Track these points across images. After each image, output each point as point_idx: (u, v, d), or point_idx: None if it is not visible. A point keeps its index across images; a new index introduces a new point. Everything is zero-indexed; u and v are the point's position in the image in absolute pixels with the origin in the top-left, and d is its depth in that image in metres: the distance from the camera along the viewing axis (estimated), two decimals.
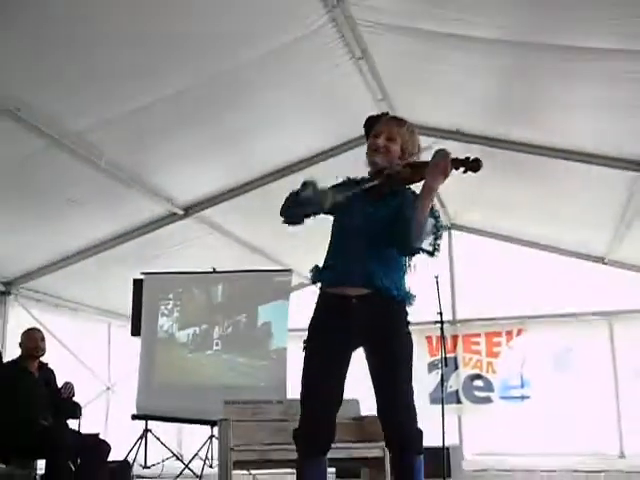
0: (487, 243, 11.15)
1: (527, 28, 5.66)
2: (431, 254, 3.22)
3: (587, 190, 8.44)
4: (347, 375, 3.27)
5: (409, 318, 3.30)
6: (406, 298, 3.26)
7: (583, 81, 6.30)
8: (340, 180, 3.48)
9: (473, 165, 3.09)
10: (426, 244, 3.15)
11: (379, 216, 3.22)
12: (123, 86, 6.16)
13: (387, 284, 3.17)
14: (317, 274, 3.33)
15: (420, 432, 3.13)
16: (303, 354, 3.31)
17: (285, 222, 3.35)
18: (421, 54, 6.51)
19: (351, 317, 3.17)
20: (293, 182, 3.35)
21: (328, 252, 3.36)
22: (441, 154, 3.11)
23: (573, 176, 8.01)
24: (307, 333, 3.32)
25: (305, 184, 3.19)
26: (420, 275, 6.52)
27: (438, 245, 3.23)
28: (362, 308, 3.15)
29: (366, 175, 3.41)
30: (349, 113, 7.34)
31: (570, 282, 10.67)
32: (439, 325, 6.52)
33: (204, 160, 7.85)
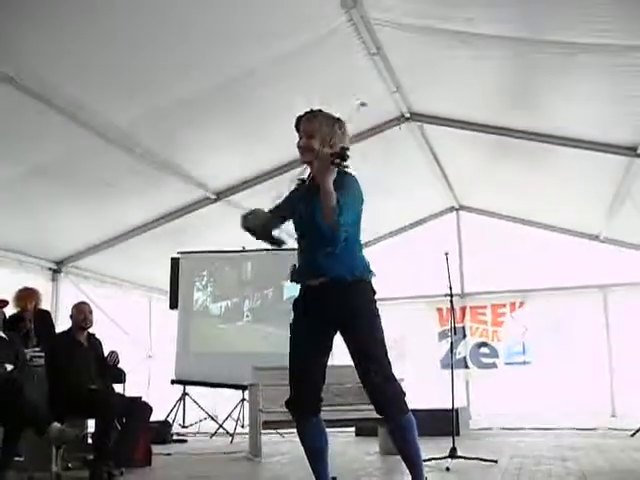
0: (492, 223, 11.11)
1: (529, 25, 5.60)
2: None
3: (584, 174, 8.40)
4: (328, 353, 3.33)
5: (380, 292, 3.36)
6: (364, 275, 3.26)
7: (581, 74, 6.25)
8: (295, 184, 3.49)
9: (340, 156, 3.02)
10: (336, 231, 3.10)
11: (315, 213, 3.17)
12: (160, 80, 6.17)
13: (339, 270, 3.18)
14: (291, 274, 3.40)
15: (401, 394, 3.13)
16: (290, 336, 3.38)
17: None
18: (431, 49, 6.46)
19: (317, 303, 3.23)
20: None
21: (297, 251, 3.40)
22: (320, 156, 3.10)
23: (571, 161, 7.97)
24: (292, 317, 3.39)
25: (245, 218, 3.38)
26: (432, 252, 6.51)
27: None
28: (324, 294, 3.20)
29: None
30: (367, 104, 7.29)
31: (568, 258, 10.64)
32: (449, 298, 6.45)
33: (234, 149, 7.87)
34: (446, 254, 6.33)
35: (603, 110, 6.85)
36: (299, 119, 3.38)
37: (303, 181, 3.41)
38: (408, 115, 7.93)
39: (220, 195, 8.99)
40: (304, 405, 3.27)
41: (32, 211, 7.92)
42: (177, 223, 9.23)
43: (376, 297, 3.29)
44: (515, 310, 11.16)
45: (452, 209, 11.48)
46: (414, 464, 3.11)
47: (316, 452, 3.28)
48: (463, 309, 11.21)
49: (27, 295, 7.24)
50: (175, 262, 9.98)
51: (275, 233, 3.40)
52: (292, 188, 3.49)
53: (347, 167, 3.11)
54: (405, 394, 3.14)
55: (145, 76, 6.03)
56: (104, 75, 5.87)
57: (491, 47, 6.22)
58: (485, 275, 11.07)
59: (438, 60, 6.64)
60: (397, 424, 3.14)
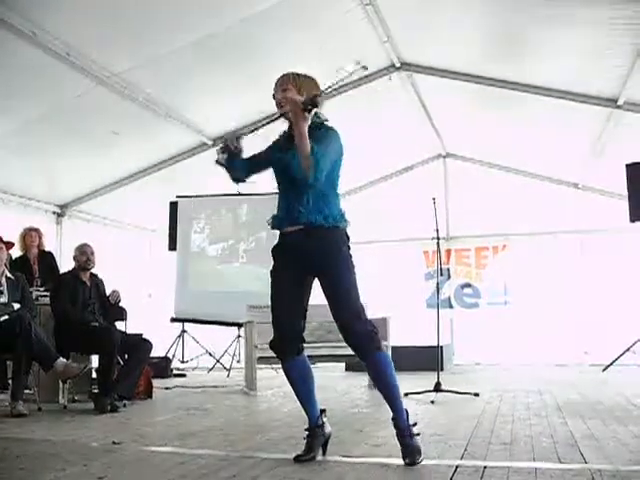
0: (477, 170, 11.06)
1: None
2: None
3: (566, 124, 8.36)
4: (308, 295, 3.35)
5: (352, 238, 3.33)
6: (338, 223, 3.25)
7: (565, 27, 6.16)
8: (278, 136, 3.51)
9: (312, 103, 3.03)
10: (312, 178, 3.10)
11: (291, 160, 3.19)
12: (159, 30, 6.10)
13: (314, 217, 3.20)
14: (271, 221, 3.43)
15: (371, 332, 3.14)
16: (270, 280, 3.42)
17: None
18: (421, 0, 6.35)
19: (295, 248, 3.26)
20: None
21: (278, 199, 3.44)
22: (290, 105, 3.11)
23: (554, 111, 7.91)
24: (272, 262, 3.43)
25: (221, 149, 3.39)
26: (419, 197, 6.49)
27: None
28: (301, 240, 3.23)
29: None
30: (358, 53, 7.19)
31: (548, 204, 10.65)
32: (435, 241, 6.47)
33: (230, 96, 7.76)
34: (433, 199, 6.31)
35: (585, 62, 6.78)
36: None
37: (283, 135, 3.42)
38: (398, 65, 7.81)
39: (217, 140, 8.91)
40: (286, 346, 3.32)
41: (37, 157, 7.88)
42: (176, 168, 9.18)
43: (350, 243, 3.30)
44: (497, 253, 11.20)
45: (439, 156, 11.41)
46: (391, 397, 3.14)
47: (302, 388, 3.33)
48: (448, 252, 11.24)
49: (31, 234, 7.21)
50: (174, 205, 9.97)
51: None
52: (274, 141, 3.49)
53: (320, 116, 3.22)
54: (377, 332, 3.15)
55: (145, 24, 5.94)
56: (104, 23, 5.78)
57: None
58: (470, 220, 11.08)
59: (428, 11, 6.53)
60: (370, 361, 3.18)
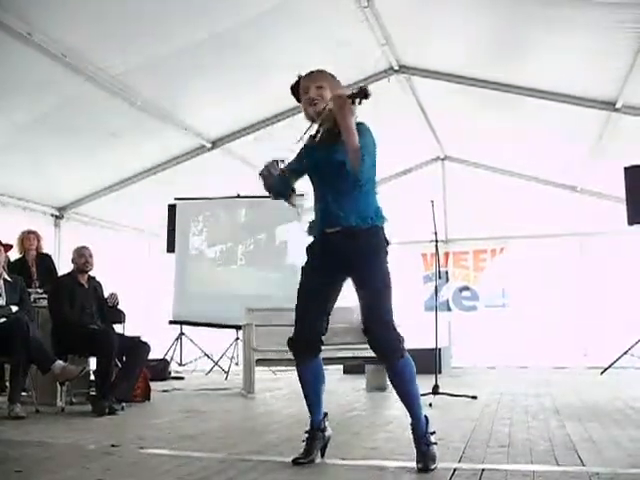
0: (475, 173, 11.07)
1: None
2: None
3: (564, 127, 8.37)
4: (335, 298, 3.31)
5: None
6: (375, 224, 3.21)
7: (565, 29, 6.17)
8: (303, 141, 3.38)
9: (360, 94, 3.01)
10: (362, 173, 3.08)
11: (333, 158, 3.15)
12: (157, 32, 6.10)
13: (353, 219, 3.15)
14: (309, 229, 3.36)
15: (400, 340, 3.11)
16: (300, 278, 3.35)
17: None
18: (421, 3, 6.35)
19: (330, 252, 3.20)
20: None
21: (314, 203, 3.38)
22: (336, 98, 3.05)
23: (552, 114, 7.92)
24: (305, 260, 3.37)
25: (262, 175, 3.32)
26: (418, 200, 6.48)
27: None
28: (339, 241, 3.17)
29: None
30: (356, 56, 7.23)
31: (546, 207, 10.67)
32: (434, 243, 6.47)
33: (230, 98, 7.77)
34: (432, 202, 6.31)
35: (584, 65, 6.79)
36: (297, 83, 3.33)
37: (313, 137, 3.32)
38: (397, 67, 7.83)
39: (216, 143, 8.94)
40: (306, 347, 3.26)
41: (36, 159, 7.87)
42: (174, 170, 9.18)
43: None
44: (496, 256, 11.22)
45: (438, 159, 11.42)
46: (411, 405, 3.11)
47: (313, 391, 3.29)
48: (447, 254, 11.25)
49: (29, 237, 7.21)
50: (172, 208, 9.96)
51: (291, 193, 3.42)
52: (301, 146, 3.41)
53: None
54: (402, 341, 3.12)
55: (143, 26, 5.94)
56: (101, 25, 5.77)
57: (478, 2, 6.14)
58: (468, 222, 11.09)
59: (427, 14, 6.54)
60: (393, 368, 3.14)
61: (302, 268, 3.36)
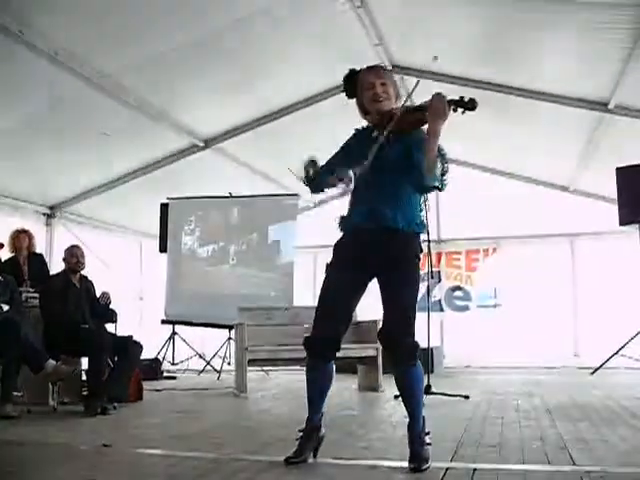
0: (469, 173, 11.08)
1: None
2: (440, 189, 3.09)
3: (556, 127, 8.38)
4: (359, 300, 3.24)
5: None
6: (417, 230, 3.17)
7: (556, 30, 6.19)
8: (352, 134, 3.36)
9: (469, 104, 2.99)
10: (437, 180, 3.03)
11: (390, 159, 3.10)
12: (150, 33, 6.07)
13: (399, 221, 3.09)
14: (341, 223, 3.27)
15: (416, 347, 3.10)
16: (324, 275, 3.28)
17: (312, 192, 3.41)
18: (414, 4, 6.36)
19: (366, 249, 3.13)
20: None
21: (351, 196, 3.27)
22: (438, 98, 2.98)
23: (544, 114, 7.94)
24: (331, 257, 3.28)
25: (306, 169, 3.28)
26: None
27: (445, 180, 3.10)
28: (377, 239, 3.10)
29: (366, 124, 3.30)
30: (350, 56, 7.20)
31: (539, 207, 10.68)
32: (426, 243, 6.47)
33: (222, 98, 7.76)
34: (425, 202, 6.32)
35: (576, 65, 6.82)
36: (356, 73, 3.29)
37: (359, 131, 3.30)
38: (390, 67, 7.83)
39: (208, 143, 8.92)
40: (324, 347, 3.18)
41: (28, 158, 7.82)
42: (167, 170, 9.16)
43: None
44: (488, 256, 11.25)
45: None
46: (413, 407, 3.10)
47: (319, 393, 3.25)
48: (439, 254, 11.27)
49: (20, 236, 7.19)
50: (164, 207, 9.95)
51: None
52: (348, 139, 3.36)
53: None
54: (418, 348, 3.10)
55: (136, 25, 5.91)
56: (94, 24, 5.74)
57: (471, 3, 6.15)
58: (460, 223, 11.11)
59: (421, 14, 6.55)
60: (403, 374, 3.13)
61: (328, 265, 3.28)
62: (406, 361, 3.09)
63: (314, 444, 3.22)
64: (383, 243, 3.10)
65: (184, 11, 5.88)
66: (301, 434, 3.21)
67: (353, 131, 3.39)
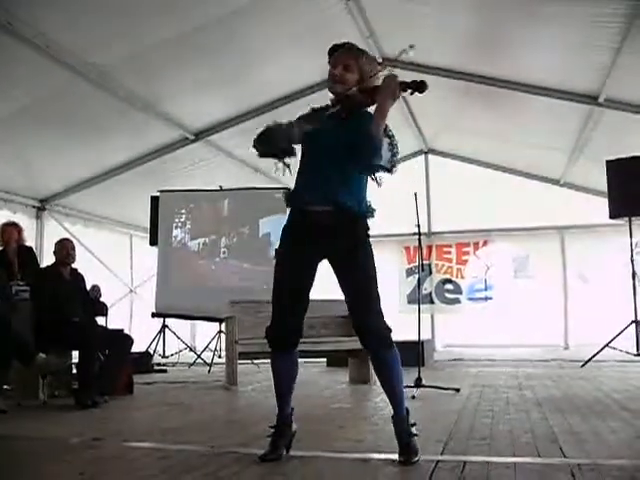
0: (459, 166, 11.13)
1: None
2: (389, 171, 3.07)
3: (547, 121, 8.42)
4: (313, 282, 3.17)
5: (371, 231, 3.17)
6: (367, 212, 3.14)
7: (546, 24, 6.20)
8: (306, 111, 3.29)
9: (419, 86, 2.96)
10: (385, 162, 3.01)
11: (340, 138, 3.04)
12: (141, 24, 6.05)
13: (348, 201, 3.05)
14: (288, 197, 3.21)
15: (389, 330, 3.07)
16: (275, 262, 3.23)
17: (259, 154, 3.20)
18: None
19: (316, 231, 3.07)
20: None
21: (298, 175, 3.20)
22: (390, 78, 2.99)
23: (535, 108, 7.97)
24: (278, 243, 3.24)
25: (268, 127, 3.14)
26: (400, 193, 6.50)
27: (395, 162, 3.08)
28: (326, 223, 3.05)
29: (329, 103, 3.23)
30: None
31: (529, 200, 10.73)
32: (417, 236, 6.45)
33: (212, 91, 7.75)
34: (415, 194, 6.30)
35: (567, 59, 6.84)
36: (334, 48, 3.24)
37: (320, 109, 3.23)
38: (380, 60, 7.81)
39: (199, 135, 8.90)
40: (286, 338, 3.15)
41: (17, 150, 7.80)
42: (157, 162, 9.16)
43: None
44: (479, 249, 11.28)
45: (421, 152, 11.44)
46: (393, 395, 3.08)
47: (285, 384, 3.21)
48: (430, 247, 11.30)
49: (9, 229, 7.14)
50: (155, 200, 9.90)
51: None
52: (302, 114, 3.27)
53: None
54: (391, 330, 3.08)
55: (126, 18, 5.89)
56: (83, 15, 5.72)
57: None
58: (451, 215, 11.14)
59: (411, 6, 6.54)
60: (379, 358, 3.10)
61: (277, 251, 3.22)
62: (380, 344, 3.06)
63: (287, 440, 3.18)
64: (332, 224, 3.05)
65: (177, 3, 5.90)
66: (272, 430, 3.16)
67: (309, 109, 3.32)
